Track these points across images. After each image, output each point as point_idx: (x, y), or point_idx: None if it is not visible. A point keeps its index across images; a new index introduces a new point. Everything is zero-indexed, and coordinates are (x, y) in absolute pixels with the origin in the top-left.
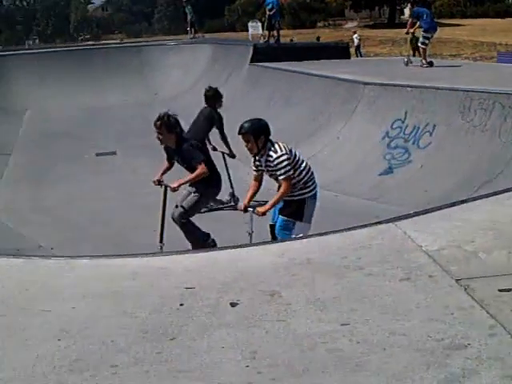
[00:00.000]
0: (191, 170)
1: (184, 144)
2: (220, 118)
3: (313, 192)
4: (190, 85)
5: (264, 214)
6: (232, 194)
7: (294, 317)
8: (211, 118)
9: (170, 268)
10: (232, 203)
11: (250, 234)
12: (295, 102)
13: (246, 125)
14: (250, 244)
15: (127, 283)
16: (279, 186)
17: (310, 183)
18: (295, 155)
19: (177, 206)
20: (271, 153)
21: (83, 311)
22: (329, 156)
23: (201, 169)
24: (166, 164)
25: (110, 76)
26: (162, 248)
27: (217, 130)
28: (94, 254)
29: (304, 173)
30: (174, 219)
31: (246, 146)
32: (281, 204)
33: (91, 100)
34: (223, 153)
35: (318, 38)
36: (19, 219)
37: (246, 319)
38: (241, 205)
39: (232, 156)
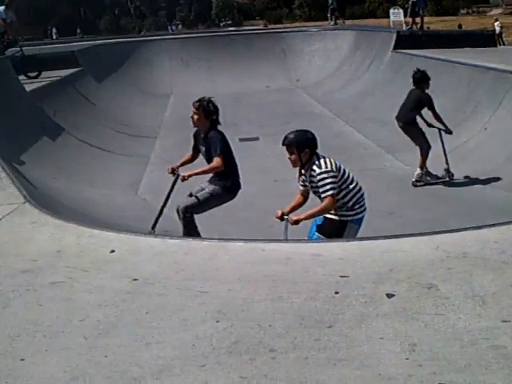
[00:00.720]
0: (210, 163)
1: (212, 131)
2: (430, 99)
3: (358, 216)
4: (332, 71)
5: (296, 222)
6: (447, 170)
7: (453, 311)
8: (420, 99)
9: (323, 255)
10: (447, 178)
11: None
12: (439, 91)
13: (290, 136)
14: (403, 235)
15: (280, 268)
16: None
17: (357, 206)
18: (343, 173)
19: (190, 195)
20: (315, 167)
21: (239, 294)
22: (475, 147)
23: (216, 162)
24: (188, 155)
25: (253, 62)
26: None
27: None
28: (242, 238)
29: (351, 194)
30: (178, 210)
31: (290, 159)
32: (321, 220)
33: (233, 85)
34: (439, 129)
35: (460, 26)
36: None
37: (404, 311)
38: (278, 212)
39: (449, 132)
